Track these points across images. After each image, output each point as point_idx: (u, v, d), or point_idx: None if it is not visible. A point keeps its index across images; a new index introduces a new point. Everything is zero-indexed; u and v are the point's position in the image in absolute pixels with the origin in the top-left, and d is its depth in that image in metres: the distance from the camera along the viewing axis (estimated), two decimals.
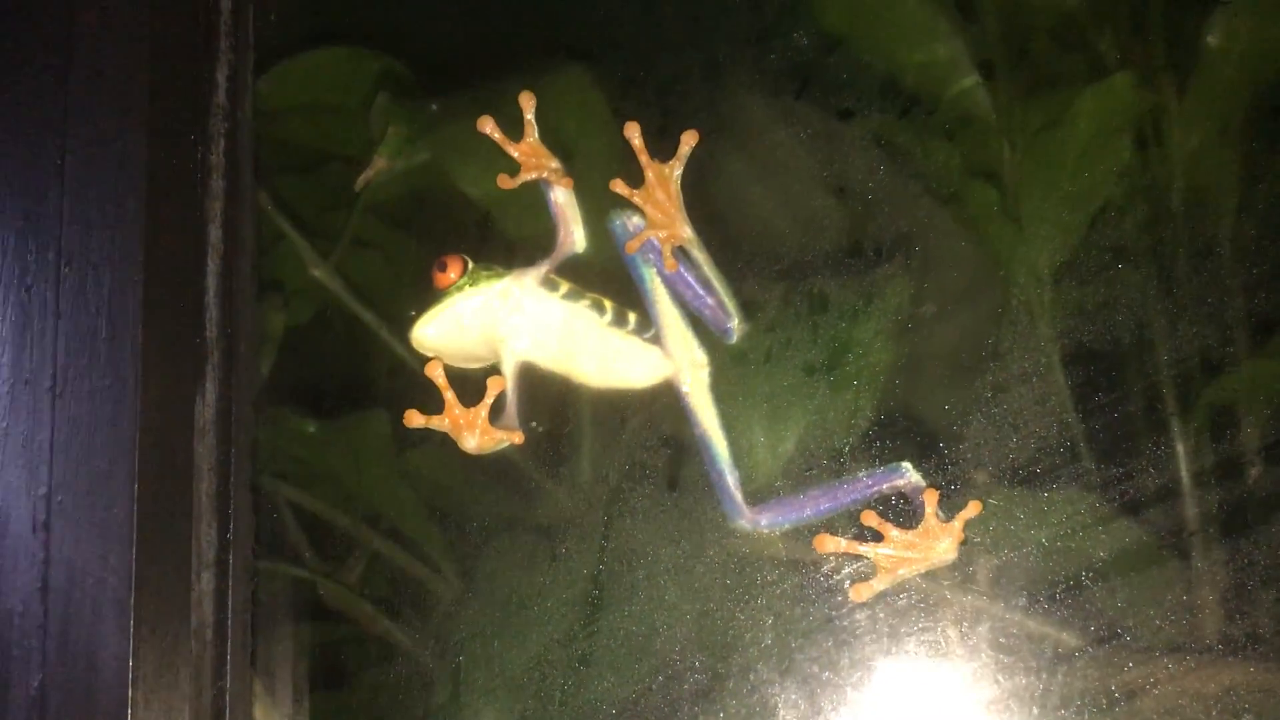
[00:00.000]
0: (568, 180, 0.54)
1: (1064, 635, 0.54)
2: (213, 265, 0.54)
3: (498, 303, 0.54)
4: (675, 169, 0.53)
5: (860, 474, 0.51)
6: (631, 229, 0.53)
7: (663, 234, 0.52)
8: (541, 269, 0.54)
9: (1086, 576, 0.56)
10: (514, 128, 0.57)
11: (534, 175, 0.53)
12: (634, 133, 0.52)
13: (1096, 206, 0.65)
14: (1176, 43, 0.68)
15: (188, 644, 0.51)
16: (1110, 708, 0.53)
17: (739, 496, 0.51)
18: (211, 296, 0.54)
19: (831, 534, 0.49)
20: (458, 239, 0.74)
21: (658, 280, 0.53)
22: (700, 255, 0.53)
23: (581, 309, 0.54)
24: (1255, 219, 0.65)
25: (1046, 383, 0.62)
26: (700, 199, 0.55)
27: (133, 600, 0.49)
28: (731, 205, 0.63)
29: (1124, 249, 0.64)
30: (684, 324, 0.54)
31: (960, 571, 0.55)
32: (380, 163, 0.66)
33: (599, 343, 0.54)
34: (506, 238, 0.68)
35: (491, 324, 0.54)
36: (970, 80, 0.67)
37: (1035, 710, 0.54)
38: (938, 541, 0.49)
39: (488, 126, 0.54)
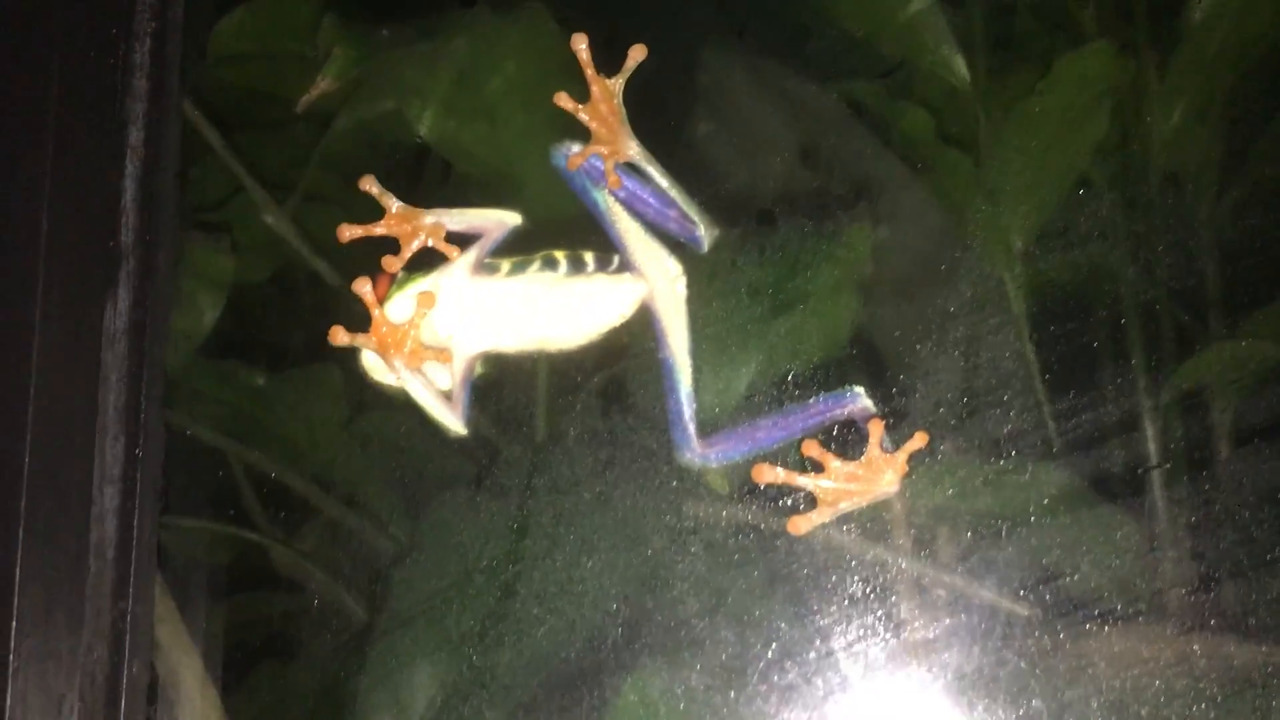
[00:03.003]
0: (438, 231, 0.51)
1: (1017, 603, 0.53)
2: (131, 168, 0.51)
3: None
4: (619, 84, 0.51)
5: (810, 400, 0.49)
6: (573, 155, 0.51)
7: (605, 149, 0.50)
8: (471, 257, 0.51)
9: (1046, 545, 0.54)
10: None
11: (418, 243, 0.51)
12: (581, 44, 0.50)
13: (1072, 180, 0.64)
14: (1160, 20, 0.67)
15: (85, 560, 0.48)
16: (1067, 675, 0.52)
17: (692, 429, 0.49)
18: (129, 200, 0.51)
19: (774, 465, 0.47)
20: (419, 193, 0.73)
21: (612, 200, 0.51)
22: (652, 169, 0.51)
23: (531, 276, 0.50)
24: (1233, 201, 0.64)
25: (1014, 352, 0.61)
26: (663, 133, 0.53)
27: (22, 505, 0.47)
28: (693, 143, 0.61)
29: (1099, 225, 0.63)
30: (649, 237, 0.51)
31: (910, 527, 0.53)
32: (324, 83, 0.64)
33: (563, 299, 0.50)
34: (465, 183, 0.67)
35: (432, 323, 0.50)
36: (949, 48, 0.66)
37: (986, 675, 0.52)
38: (881, 474, 0.46)
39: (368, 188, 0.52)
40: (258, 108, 0.75)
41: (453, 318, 0.50)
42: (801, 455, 0.46)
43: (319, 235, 0.73)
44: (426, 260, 0.51)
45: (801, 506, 0.47)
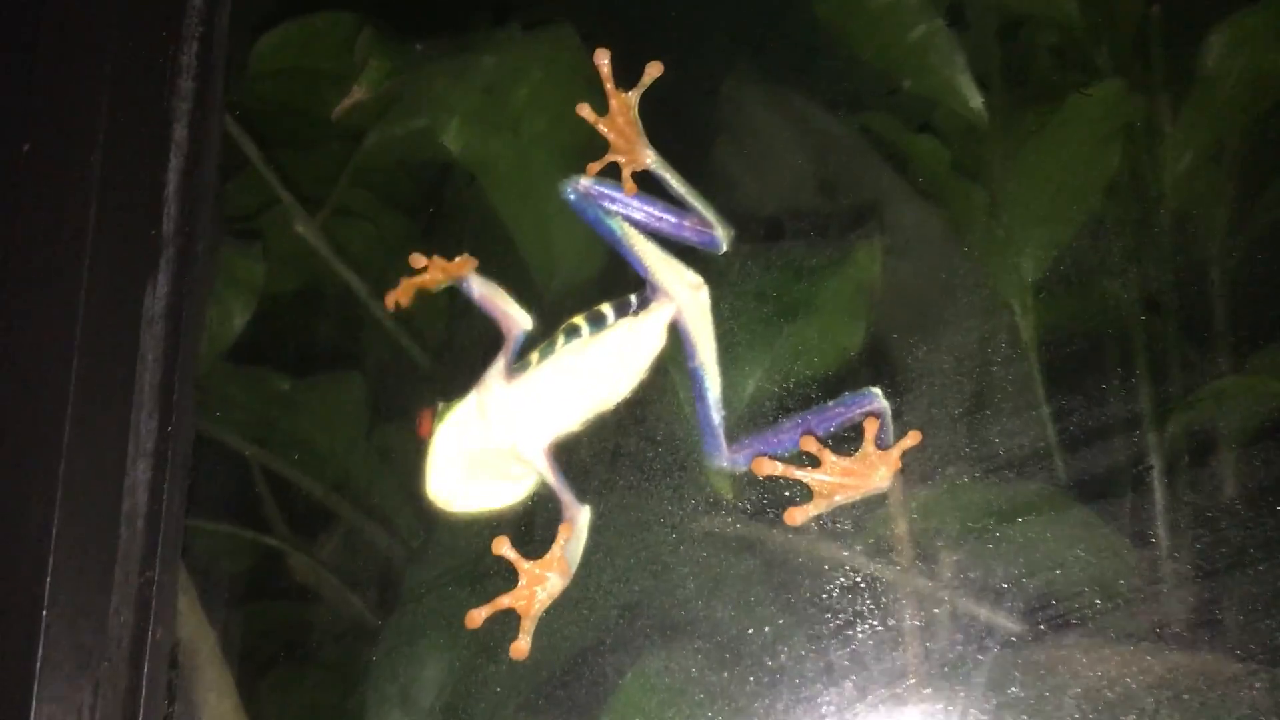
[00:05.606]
0: (460, 267, 0.53)
1: (1010, 620, 0.54)
2: (175, 162, 0.54)
3: (477, 419, 0.51)
4: (635, 96, 0.53)
5: (830, 403, 0.50)
6: (581, 188, 0.52)
7: (623, 157, 0.52)
8: (499, 365, 0.52)
9: (1044, 564, 0.55)
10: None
11: (445, 280, 0.54)
12: (602, 59, 0.52)
13: (1084, 215, 0.65)
14: (1174, 64, 0.68)
15: (116, 528, 0.50)
16: (1057, 691, 0.52)
17: (722, 434, 0.50)
18: (171, 191, 0.54)
19: (773, 460, 0.48)
20: (448, 212, 0.75)
21: (627, 226, 0.53)
22: (667, 174, 0.53)
23: (561, 354, 0.51)
24: (1244, 241, 0.65)
25: (1022, 382, 0.61)
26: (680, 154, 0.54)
27: (61, 471, 0.49)
28: (709, 165, 0.63)
29: (1110, 259, 0.64)
30: (667, 254, 0.53)
31: (912, 548, 0.54)
32: (359, 93, 0.66)
33: (599, 357, 0.51)
34: (492, 206, 0.69)
35: (489, 440, 0.51)
36: (965, 83, 0.67)
37: (978, 692, 0.53)
38: (875, 469, 0.48)
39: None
40: (294, 123, 0.77)
41: (509, 426, 0.50)
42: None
43: (348, 248, 0.75)
44: (459, 389, 0.52)
45: (797, 499, 0.48)
